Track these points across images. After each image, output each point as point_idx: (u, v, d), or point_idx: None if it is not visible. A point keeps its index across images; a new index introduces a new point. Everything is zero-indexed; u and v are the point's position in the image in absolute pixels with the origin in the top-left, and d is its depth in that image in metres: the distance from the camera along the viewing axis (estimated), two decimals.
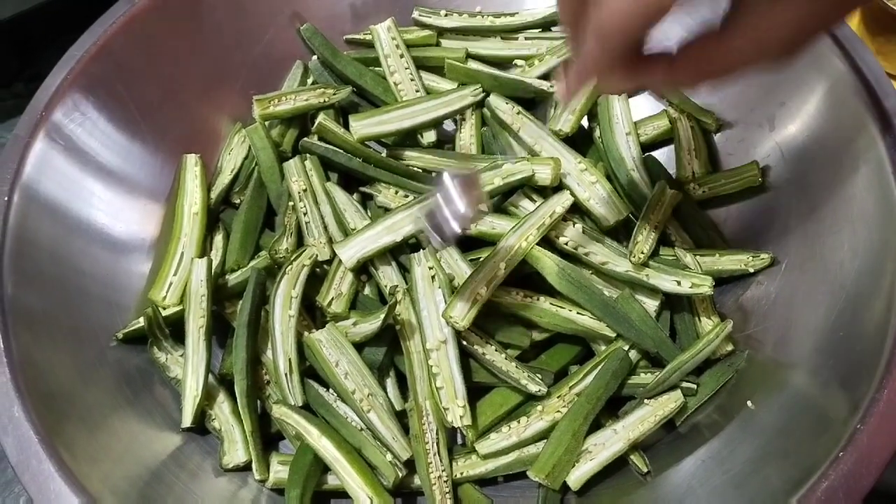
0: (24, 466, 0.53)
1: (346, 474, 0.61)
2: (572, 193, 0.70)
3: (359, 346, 0.67)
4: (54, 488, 0.52)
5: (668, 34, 0.47)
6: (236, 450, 0.64)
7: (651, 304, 0.68)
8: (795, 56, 0.44)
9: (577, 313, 0.66)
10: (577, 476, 0.61)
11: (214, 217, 0.78)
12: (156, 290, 0.70)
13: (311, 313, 0.72)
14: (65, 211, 0.67)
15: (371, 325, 0.66)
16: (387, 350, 0.67)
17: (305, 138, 0.80)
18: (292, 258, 0.70)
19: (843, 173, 0.64)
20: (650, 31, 0.42)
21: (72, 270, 0.66)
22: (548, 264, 0.66)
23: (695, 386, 0.65)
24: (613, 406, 0.66)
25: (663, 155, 0.80)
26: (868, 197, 0.61)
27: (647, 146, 0.80)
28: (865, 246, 0.60)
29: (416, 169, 0.76)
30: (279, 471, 0.63)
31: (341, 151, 0.77)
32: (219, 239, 0.76)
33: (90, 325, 0.65)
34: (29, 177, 0.65)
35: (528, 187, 0.72)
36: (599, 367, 0.65)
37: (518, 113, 0.76)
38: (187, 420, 0.64)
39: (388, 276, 0.70)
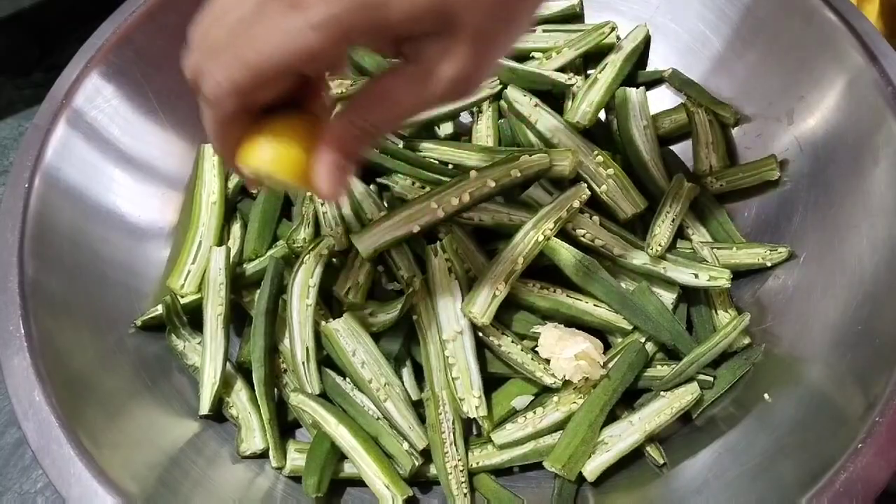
0: (45, 451, 0.54)
1: (362, 463, 0.62)
2: (589, 186, 0.70)
3: (375, 336, 0.67)
4: (74, 472, 0.53)
5: None
6: (253, 437, 0.64)
7: (668, 297, 0.68)
8: (469, 94, 0.46)
9: (594, 305, 0.66)
10: (593, 467, 0.61)
11: (232, 206, 0.78)
12: (174, 278, 0.71)
13: (328, 303, 0.72)
14: (85, 197, 0.67)
15: (388, 315, 0.66)
16: (403, 340, 0.67)
17: None
18: (310, 248, 0.70)
19: (862, 168, 0.63)
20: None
21: (92, 256, 0.66)
22: (565, 256, 0.66)
23: (711, 379, 0.65)
24: (629, 398, 0.66)
25: (681, 148, 0.79)
26: (887, 192, 0.61)
27: (665, 139, 0.79)
28: (884, 240, 0.59)
29: (432, 160, 0.76)
30: (296, 458, 0.64)
31: None
32: (236, 228, 0.76)
33: (109, 312, 0.66)
34: (50, 163, 0.65)
35: (545, 179, 0.72)
36: (616, 358, 0.65)
37: (535, 105, 0.76)
38: (205, 407, 0.65)
39: (404, 266, 0.70)
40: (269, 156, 0.48)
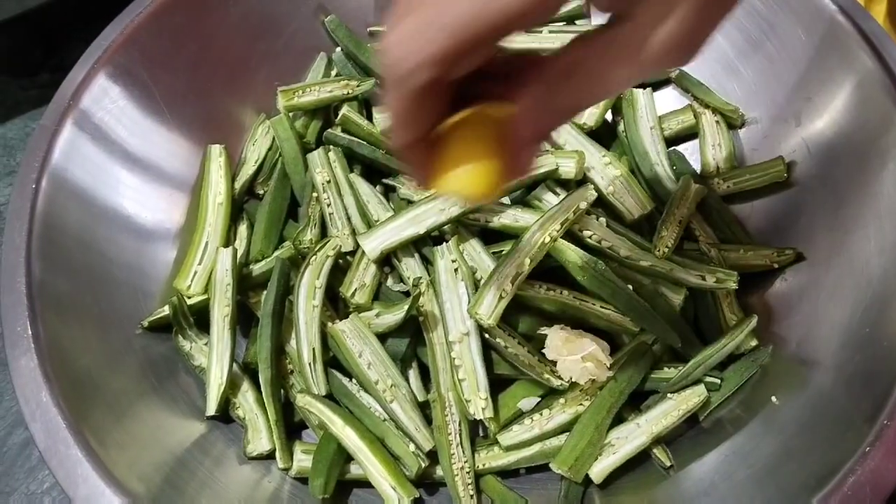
0: (52, 452, 0.53)
1: (369, 464, 0.62)
2: (596, 187, 0.70)
3: (382, 337, 0.67)
4: (82, 473, 0.53)
5: None
6: (260, 438, 0.64)
7: (675, 299, 0.67)
8: (689, 60, 0.39)
9: (601, 307, 0.66)
10: (599, 469, 0.61)
11: (238, 207, 0.78)
12: (181, 279, 0.71)
13: (335, 304, 0.72)
14: (92, 198, 0.67)
15: (394, 316, 0.66)
16: (409, 341, 0.67)
17: (329, 130, 0.80)
18: (316, 249, 0.70)
19: (870, 169, 0.63)
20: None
21: (99, 257, 0.66)
22: (571, 258, 0.66)
23: (718, 381, 0.65)
24: (636, 400, 0.65)
25: (688, 150, 0.79)
26: (895, 193, 0.60)
27: (672, 141, 0.79)
28: (892, 242, 0.59)
29: None
30: (302, 459, 0.64)
31: (365, 143, 0.77)
32: (243, 229, 0.76)
33: (116, 312, 0.66)
34: (57, 164, 0.65)
35: (551, 180, 0.72)
36: (623, 360, 0.65)
37: None
38: (212, 408, 0.65)
39: (411, 267, 0.70)
40: (471, 184, 0.41)
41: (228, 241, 0.75)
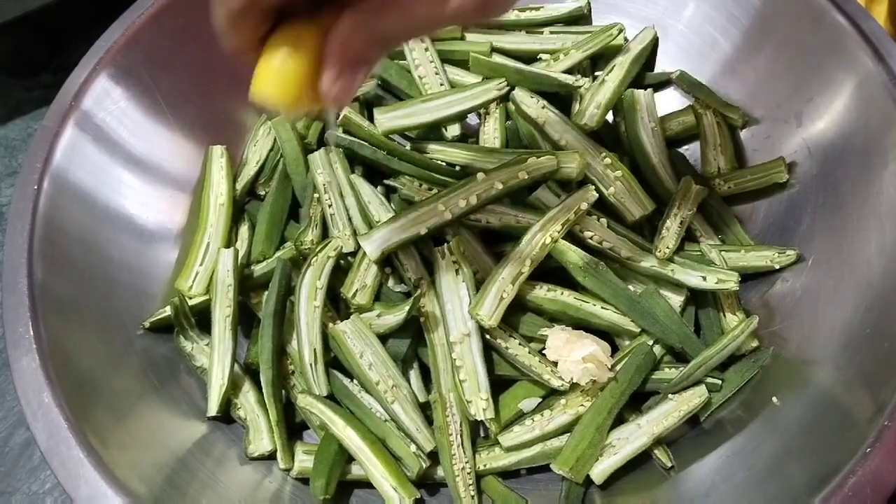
0: (54, 452, 0.54)
1: (370, 464, 0.62)
2: (597, 188, 0.70)
3: (383, 338, 0.67)
4: (83, 474, 0.53)
5: None
6: (261, 438, 0.64)
7: (676, 300, 0.68)
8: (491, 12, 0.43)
9: (602, 308, 0.66)
10: (600, 470, 0.61)
11: (240, 208, 0.78)
12: (182, 280, 0.71)
13: (336, 304, 0.72)
14: (94, 199, 0.68)
15: (395, 317, 0.67)
16: (410, 342, 0.67)
17: (330, 131, 0.80)
18: (317, 249, 0.70)
19: (871, 170, 0.63)
20: None
21: (100, 258, 0.66)
22: (572, 258, 0.66)
23: (719, 382, 0.65)
24: (637, 401, 0.65)
25: (689, 150, 0.80)
26: None
27: (673, 141, 0.79)
28: (893, 243, 0.59)
29: (439, 162, 0.76)
30: (304, 460, 0.64)
31: (366, 144, 0.77)
32: (244, 230, 0.77)
33: (118, 313, 0.66)
34: (59, 165, 0.65)
35: (552, 181, 0.72)
36: (623, 361, 0.65)
37: (543, 107, 0.76)
38: (213, 409, 0.65)
39: (412, 268, 0.70)
40: (273, 87, 0.45)
41: (230, 241, 0.75)
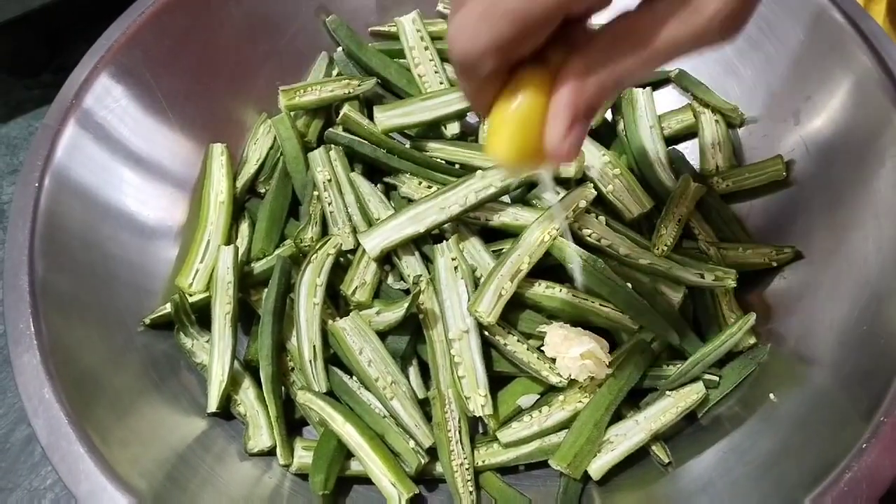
0: (54, 448, 0.54)
1: (369, 460, 0.62)
2: (596, 186, 0.70)
3: (382, 335, 0.68)
4: (84, 470, 0.53)
5: None
6: (261, 435, 0.65)
7: (674, 297, 0.68)
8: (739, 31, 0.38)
9: (601, 305, 0.66)
10: (598, 465, 0.61)
11: (240, 206, 0.79)
12: (182, 277, 0.71)
13: (336, 302, 0.72)
14: (94, 197, 0.68)
15: (394, 314, 0.67)
16: (410, 339, 0.68)
17: (330, 129, 0.80)
18: (317, 247, 0.70)
19: (869, 168, 0.63)
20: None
21: (101, 255, 0.66)
22: (571, 256, 0.66)
23: (717, 378, 0.65)
24: (635, 397, 0.66)
25: (687, 149, 0.80)
26: (893, 192, 0.60)
27: (672, 140, 0.80)
28: (890, 241, 0.59)
29: (439, 160, 0.76)
30: (303, 456, 0.64)
31: (366, 142, 0.78)
32: (244, 227, 0.77)
33: (119, 310, 0.66)
34: (60, 163, 0.66)
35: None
36: (621, 358, 0.65)
37: None
38: (213, 405, 0.65)
39: (411, 265, 0.71)
40: (509, 148, 0.41)
41: (230, 239, 0.75)
